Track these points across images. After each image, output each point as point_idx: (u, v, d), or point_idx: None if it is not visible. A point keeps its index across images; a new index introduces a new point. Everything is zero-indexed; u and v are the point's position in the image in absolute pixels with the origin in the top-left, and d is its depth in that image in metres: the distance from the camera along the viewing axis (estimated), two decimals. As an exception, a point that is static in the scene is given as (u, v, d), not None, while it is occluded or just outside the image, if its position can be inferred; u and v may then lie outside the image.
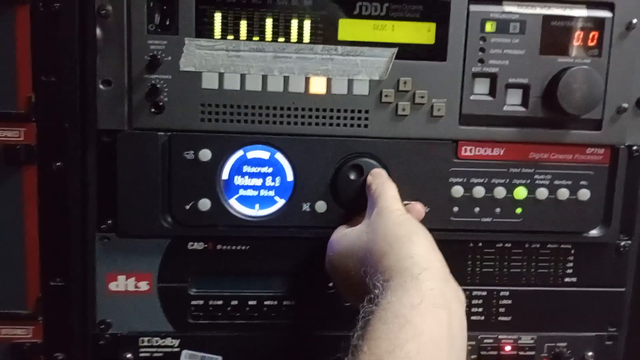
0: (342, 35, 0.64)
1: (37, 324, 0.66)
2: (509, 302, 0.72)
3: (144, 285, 0.67)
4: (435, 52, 0.64)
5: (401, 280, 0.48)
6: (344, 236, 0.61)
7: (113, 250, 0.66)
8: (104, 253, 0.66)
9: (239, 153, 0.65)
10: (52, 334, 0.66)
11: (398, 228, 0.54)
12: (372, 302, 0.48)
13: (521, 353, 0.72)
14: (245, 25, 0.62)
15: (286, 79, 0.64)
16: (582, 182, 0.68)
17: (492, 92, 0.66)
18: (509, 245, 0.71)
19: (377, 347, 0.43)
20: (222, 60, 0.63)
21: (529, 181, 0.68)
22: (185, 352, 0.69)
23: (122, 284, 0.67)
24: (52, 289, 0.65)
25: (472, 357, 0.72)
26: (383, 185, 0.61)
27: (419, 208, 0.63)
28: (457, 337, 0.47)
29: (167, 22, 0.62)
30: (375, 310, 0.46)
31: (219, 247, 0.68)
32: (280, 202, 0.67)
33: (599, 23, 0.65)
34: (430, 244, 0.53)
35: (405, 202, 0.62)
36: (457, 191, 0.67)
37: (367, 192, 0.63)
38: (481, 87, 0.66)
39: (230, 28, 0.62)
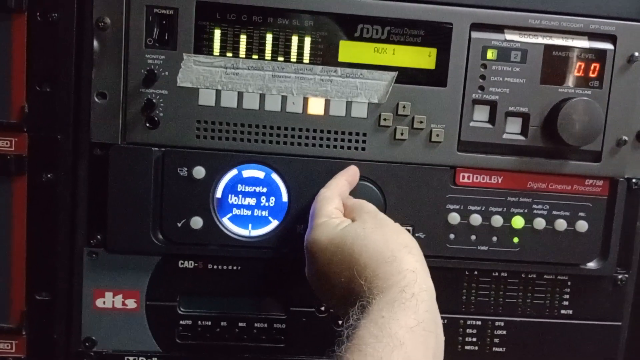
0: (342, 57, 0.63)
1: (21, 338, 0.64)
2: (504, 332, 0.71)
3: (131, 303, 0.66)
4: (436, 77, 0.64)
5: (400, 295, 0.47)
6: (335, 226, 0.56)
7: (101, 265, 0.65)
8: (92, 268, 0.65)
9: (234, 172, 0.64)
10: (36, 349, 0.65)
11: (398, 236, 0.53)
12: (363, 309, 0.47)
13: (514, 385, 0.71)
14: (245, 43, 0.62)
15: (284, 99, 0.63)
16: (580, 214, 0.68)
17: (491, 119, 0.65)
18: (505, 274, 0.70)
19: None
20: (220, 77, 0.62)
21: (526, 210, 0.67)
22: (170, 373, 0.67)
23: (109, 300, 0.66)
24: (37, 303, 0.64)
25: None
26: (360, 200, 0.61)
27: None
28: None
29: (166, 37, 0.61)
30: (366, 322, 0.46)
31: (209, 266, 0.67)
32: (274, 223, 0.66)
33: (600, 55, 0.65)
34: (424, 260, 0.53)
35: None
36: (454, 218, 0.66)
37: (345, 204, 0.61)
38: (481, 114, 0.65)
39: (229, 45, 0.62)
